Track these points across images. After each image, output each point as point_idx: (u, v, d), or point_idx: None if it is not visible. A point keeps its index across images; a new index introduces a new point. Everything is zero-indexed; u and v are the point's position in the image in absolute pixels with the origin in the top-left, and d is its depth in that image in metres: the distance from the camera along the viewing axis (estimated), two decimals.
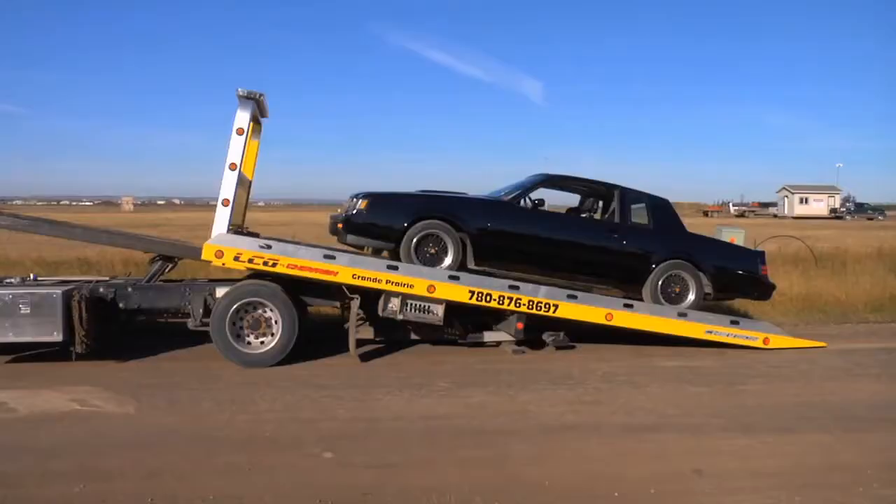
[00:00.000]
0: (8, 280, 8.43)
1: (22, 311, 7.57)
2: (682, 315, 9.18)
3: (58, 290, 7.72)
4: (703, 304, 9.54)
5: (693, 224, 11.75)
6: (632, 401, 7.01)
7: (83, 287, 8.10)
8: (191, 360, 8.30)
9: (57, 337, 7.64)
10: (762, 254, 10.28)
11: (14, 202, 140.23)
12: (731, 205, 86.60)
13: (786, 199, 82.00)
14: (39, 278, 8.78)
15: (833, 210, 77.81)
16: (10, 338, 7.62)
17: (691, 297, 9.38)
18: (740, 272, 9.86)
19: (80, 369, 7.68)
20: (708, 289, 9.50)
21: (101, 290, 8.29)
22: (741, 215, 76.73)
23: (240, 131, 8.18)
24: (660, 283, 9.28)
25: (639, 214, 9.50)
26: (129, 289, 8.41)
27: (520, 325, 8.67)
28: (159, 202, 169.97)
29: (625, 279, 9.44)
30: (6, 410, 6.34)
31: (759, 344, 9.50)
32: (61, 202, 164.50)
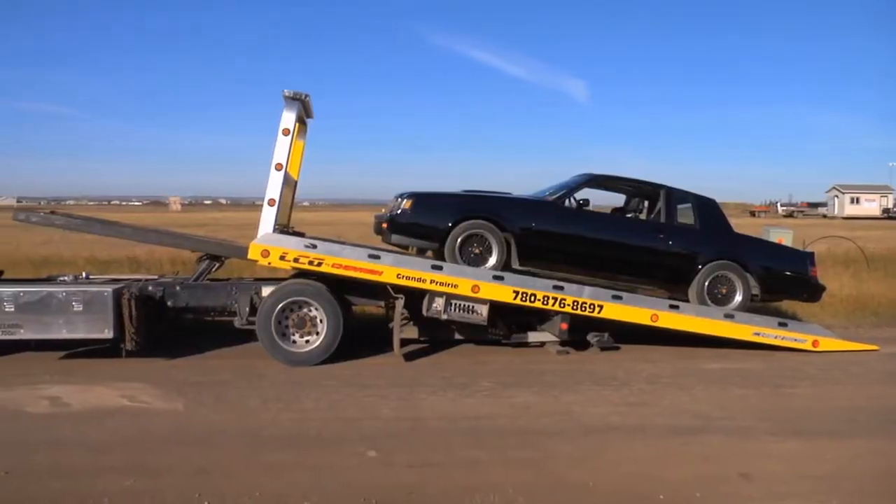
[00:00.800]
0: (61, 278, 8.67)
1: (74, 309, 7.75)
2: (728, 316, 9.04)
3: (108, 289, 7.89)
4: (749, 306, 9.39)
5: (740, 224, 11.55)
6: (677, 402, 6.93)
7: (133, 285, 8.26)
8: (237, 359, 8.41)
9: (108, 334, 7.81)
10: (811, 255, 10.06)
11: (67, 202, 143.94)
12: (778, 205, 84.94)
13: (836, 198, 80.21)
14: (91, 276, 9.01)
15: (886, 210, 75.92)
16: (63, 334, 7.81)
17: (738, 298, 9.23)
18: (789, 273, 9.66)
19: (129, 366, 7.84)
20: (755, 290, 9.32)
21: (150, 288, 8.44)
22: (789, 215, 75.19)
23: (286, 132, 8.26)
24: (706, 283, 9.14)
25: (685, 214, 9.37)
26: (177, 287, 8.56)
27: (564, 326, 8.62)
28: (206, 202, 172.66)
29: (670, 280, 9.32)
30: (60, 405, 6.50)
31: (807, 346, 9.30)
32: (111, 202, 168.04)
